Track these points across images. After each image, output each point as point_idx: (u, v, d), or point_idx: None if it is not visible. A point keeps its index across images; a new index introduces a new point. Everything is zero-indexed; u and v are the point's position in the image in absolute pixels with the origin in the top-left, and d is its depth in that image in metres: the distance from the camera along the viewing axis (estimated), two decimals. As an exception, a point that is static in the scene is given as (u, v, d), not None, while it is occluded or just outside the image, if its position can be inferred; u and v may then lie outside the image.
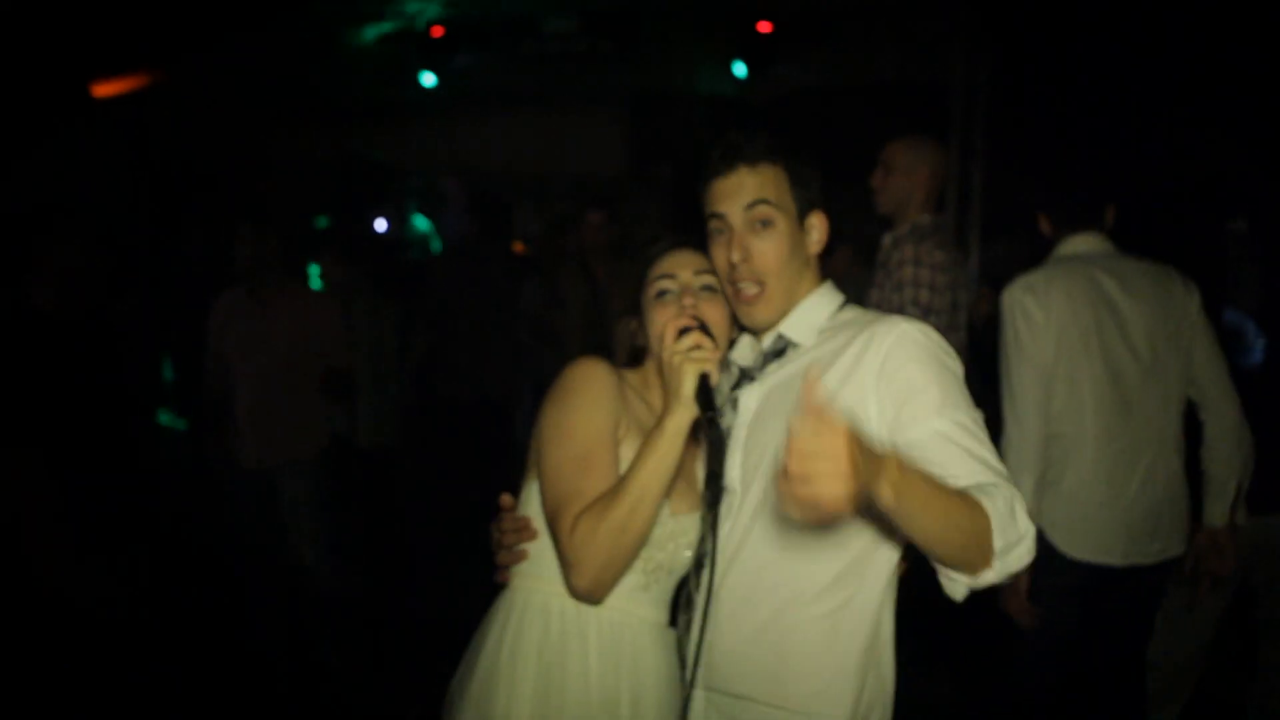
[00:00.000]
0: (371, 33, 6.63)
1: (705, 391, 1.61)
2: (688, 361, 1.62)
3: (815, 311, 1.81)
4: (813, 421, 1.22)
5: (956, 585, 1.49)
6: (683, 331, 1.66)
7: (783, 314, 1.80)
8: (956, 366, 1.66)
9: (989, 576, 1.45)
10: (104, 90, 5.72)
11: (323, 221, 7.72)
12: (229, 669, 3.89)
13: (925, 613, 1.89)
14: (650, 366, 1.94)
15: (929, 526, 1.38)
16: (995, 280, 3.83)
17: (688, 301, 1.81)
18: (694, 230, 1.89)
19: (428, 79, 6.82)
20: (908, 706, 1.80)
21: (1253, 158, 5.61)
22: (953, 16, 5.79)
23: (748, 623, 1.69)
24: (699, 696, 1.76)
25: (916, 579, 1.73)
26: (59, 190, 4.69)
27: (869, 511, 1.38)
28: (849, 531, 1.65)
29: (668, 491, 1.70)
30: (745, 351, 1.88)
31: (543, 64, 6.64)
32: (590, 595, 1.74)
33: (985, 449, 1.55)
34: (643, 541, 1.69)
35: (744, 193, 1.74)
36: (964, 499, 1.41)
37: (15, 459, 2.81)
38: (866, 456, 1.26)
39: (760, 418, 1.76)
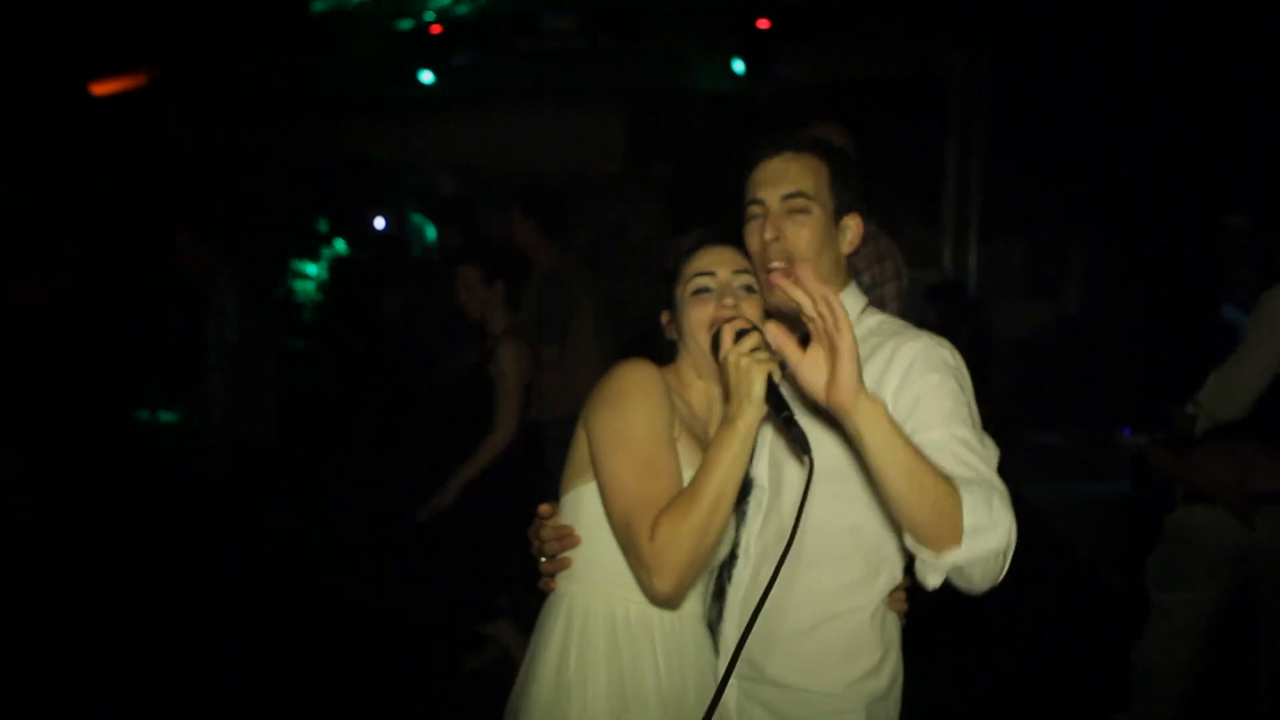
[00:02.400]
0: (371, 30, 6.64)
1: (774, 392, 1.59)
2: (755, 364, 1.58)
3: None
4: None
5: (926, 566, 1.47)
6: (740, 333, 1.64)
7: None
8: (969, 385, 1.70)
9: (958, 555, 1.43)
10: (102, 89, 5.72)
11: (323, 224, 7.72)
12: (221, 668, 3.89)
13: (925, 613, 1.90)
14: (685, 364, 1.91)
15: (898, 474, 1.42)
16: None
17: (728, 302, 1.79)
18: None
19: (426, 76, 6.82)
20: (907, 707, 1.82)
21: (1253, 152, 5.61)
22: (952, 12, 5.79)
23: (785, 616, 1.76)
24: (732, 685, 1.80)
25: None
26: (54, 189, 4.69)
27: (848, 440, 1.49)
28: (870, 519, 1.73)
29: None
30: None
31: (542, 61, 6.64)
32: (673, 598, 1.72)
33: (978, 459, 1.57)
34: (721, 537, 1.69)
35: (784, 181, 1.78)
36: (941, 473, 1.44)
37: (9, 458, 2.80)
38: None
39: None
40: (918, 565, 1.49)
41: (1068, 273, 8.78)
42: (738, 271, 1.83)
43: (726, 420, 1.62)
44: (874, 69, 6.60)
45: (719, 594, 1.86)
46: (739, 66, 6.70)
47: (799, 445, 1.54)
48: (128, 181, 5.54)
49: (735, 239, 1.85)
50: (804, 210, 1.76)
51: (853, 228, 1.83)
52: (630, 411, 1.74)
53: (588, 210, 8.53)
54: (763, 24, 6.42)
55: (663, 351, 1.97)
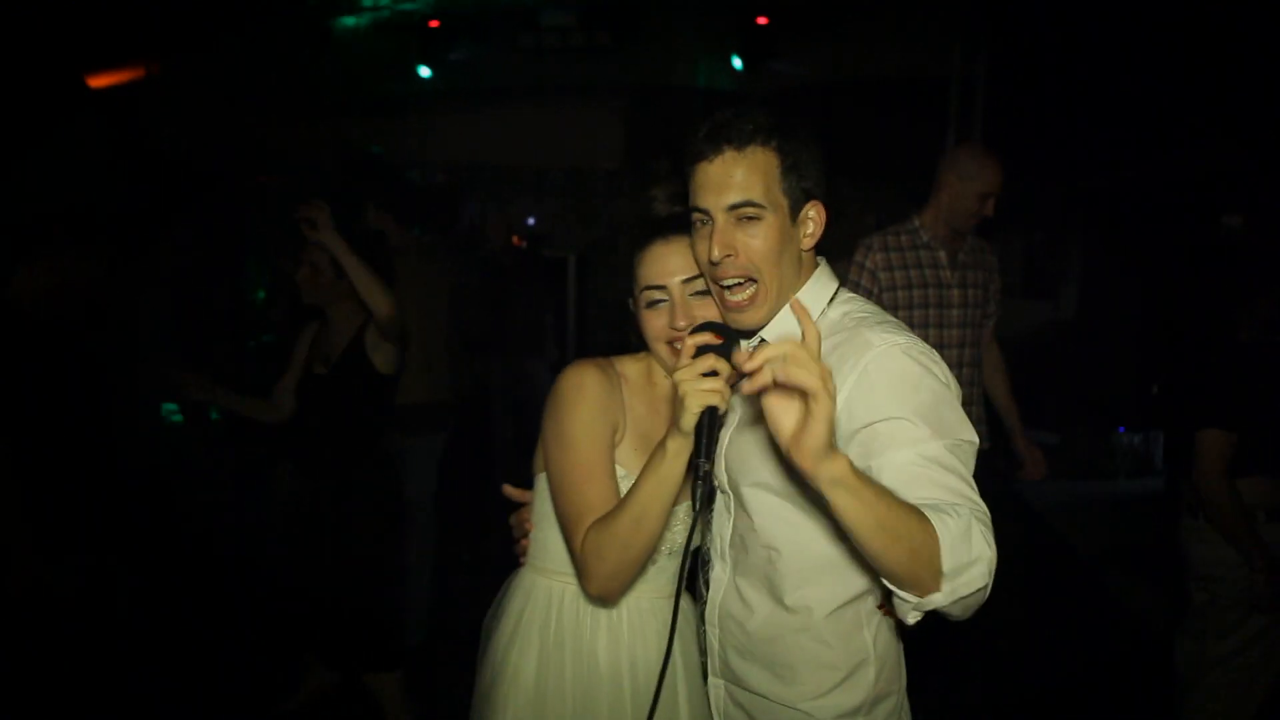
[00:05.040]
0: (368, 23, 6.62)
1: (709, 427, 1.53)
2: (693, 394, 1.50)
3: (791, 317, 1.62)
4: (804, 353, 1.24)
5: (905, 606, 1.38)
6: (702, 350, 1.54)
7: (773, 315, 1.67)
8: (940, 387, 1.53)
9: (937, 599, 1.33)
10: (99, 82, 5.70)
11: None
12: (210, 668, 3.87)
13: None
14: (651, 358, 1.90)
15: (868, 530, 1.30)
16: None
17: (681, 324, 1.75)
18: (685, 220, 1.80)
19: (425, 72, 6.81)
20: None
21: (1251, 154, 5.62)
22: (951, 12, 5.79)
23: (754, 624, 1.72)
24: (718, 685, 1.82)
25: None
26: (56, 185, 4.67)
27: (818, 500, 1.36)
28: (820, 531, 1.64)
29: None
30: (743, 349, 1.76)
31: (541, 57, 6.62)
32: (602, 600, 1.87)
33: (952, 476, 1.43)
34: (650, 551, 1.71)
35: (728, 189, 1.59)
36: (915, 513, 1.33)
37: None
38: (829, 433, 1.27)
39: (741, 423, 1.71)
40: (896, 603, 1.40)
41: (1065, 272, 8.80)
42: (689, 280, 1.76)
43: (661, 439, 1.61)
44: (873, 68, 6.60)
45: (701, 594, 1.84)
46: (738, 64, 6.70)
47: (695, 497, 1.53)
48: (126, 179, 5.52)
49: (685, 228, 1.75)
50: (755, 219, 1.59)
51: (814, 219, 1.66)
52: (568, 418, 1.79)
53: (587, 206, 8.54)
54: (762, 21, 6.42)
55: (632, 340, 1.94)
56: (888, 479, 1.41)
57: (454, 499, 5.10)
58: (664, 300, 1.78)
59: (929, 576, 1.32)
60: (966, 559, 1.33)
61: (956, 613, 1.37)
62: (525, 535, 2.02)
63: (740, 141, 1.59)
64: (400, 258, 4.33)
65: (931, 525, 1.32)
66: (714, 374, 1.51)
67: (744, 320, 1.66)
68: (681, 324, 1.75)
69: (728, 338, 1.58)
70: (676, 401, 1.53)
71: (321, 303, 3.39)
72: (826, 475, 1.27)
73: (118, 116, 5.70)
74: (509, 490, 2.07)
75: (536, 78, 7.09)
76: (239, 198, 6.49)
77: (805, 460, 1.26)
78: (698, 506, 1.54)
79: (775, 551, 1.67)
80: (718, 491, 1.78)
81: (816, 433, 1.24)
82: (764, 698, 1.72)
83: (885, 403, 1.49)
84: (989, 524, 1.38)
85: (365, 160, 7.90)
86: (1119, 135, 6.13)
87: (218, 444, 4.53)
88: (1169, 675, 3.27)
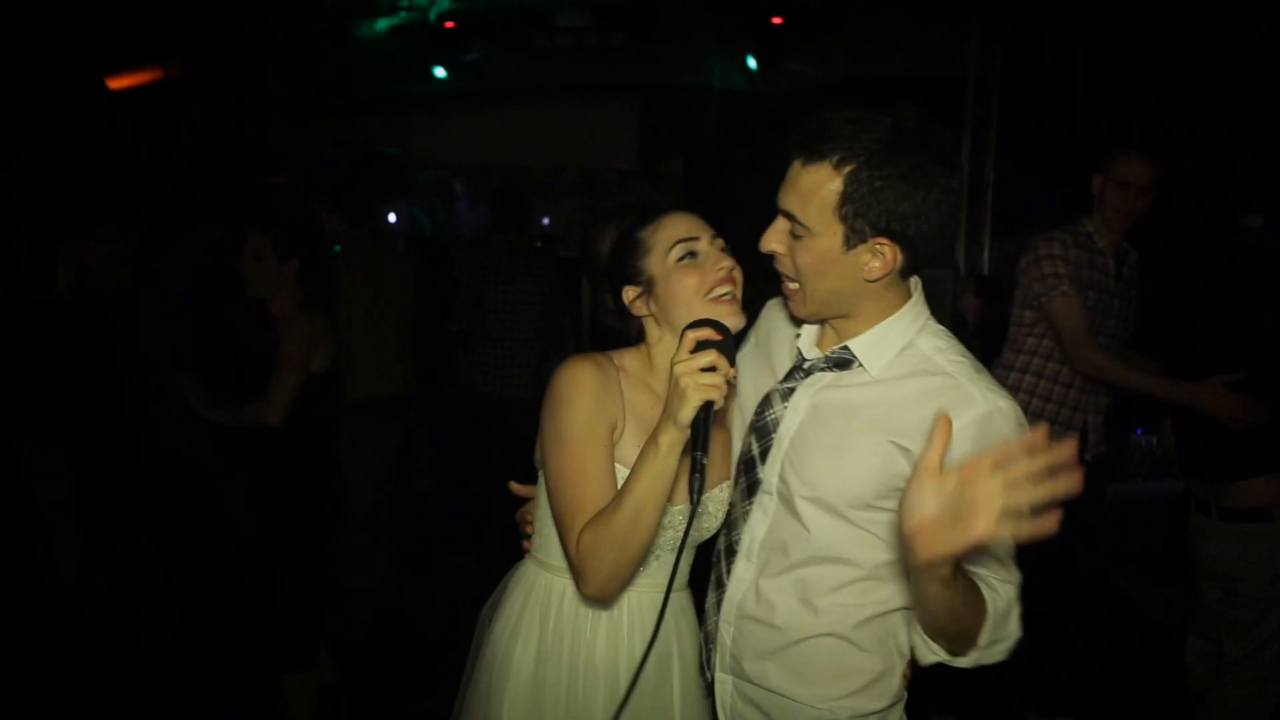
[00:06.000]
0: (383, 25, 6.65)
1: (703, 422, 1.52)
2: (694, 388, 1.50)
3: (887, 340, 1.63)
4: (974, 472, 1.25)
5: (926, 652, 1.61)
6: (702, 345, 1.54)
7: (819, 318, 1.69)
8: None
9: (961, 661, 1.58)
10: (118, 83, 5.75)
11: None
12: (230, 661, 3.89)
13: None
14: (656, 345, 1.90)
15: (942, 613, 1.47)
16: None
17: (726, 263, 1.81)
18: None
19: (440, 72, 6.83)
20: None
21: (1272, 152, 5.57)
22: (966, 11, 5.76)
23: (777, 624, 1.72)
24: (725, 680, 1.81)
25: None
26: (77, 183, 4.71)
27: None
28: (874, 546, 1.66)
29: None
30: (809, 341, 1.75)
31: (555, 57, 6.63)
32: (598, 601, 1.86)
33: (1006, 552, 1.58)
34: (647, 549, 1.69)
35: (787, 195, 1.58)
36: (976, 596, 1.50)
37: (32, 443, 2.83)
38: None
39: (805, 428, 1.69)
40: (916, 643, 1.62)
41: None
42: (715, 236, 1.84)
43: (653, 433, 1.59)
44: (888, 67, 6.57)
45: (719, 584, 1.82)
46: (753, 63, 6.68)
47: (691, 490, 1.52)
48: (149, 175, 5.56)
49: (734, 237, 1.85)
50: (798, 236, 1.58)
51: (883, 254, 1.55)
52: (565, 416, 1.77)
53: (601, 206, 8.53)
54: (776, 20, 6.41)
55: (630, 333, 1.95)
56: None
57: (474, 497, 5.15)
58: (697, 253, 1.82)
59: (966, 644, 1.54)
60: (1000, 636, 1.54)
61: (965, 665, 1.58)
62: (527, 536, 2.04)
63: (812, 156, 1.54)
64: (349, 256, 4.45)
65: (985, 607, 1.51)
66: (713, 369, 1.52)
67: (793, 308, 1.70)
68: (726, 263, 1.81)
69: (726, 334, 1.59)
70: (675, 395, 1.52)
71: (264, 294, 3.35)
72: (937, 572, 1.36)
73: (137, 115, 5.75)
74: (514, 486, 2.12)
75: (551, 78, 7.10)
76: (249, 197, 6.52)
77: (926, 558, 1.31)
78: (695, 500, 1.51)
79: (821, 559, 1.68)
80: (760, 491, 1.74)
81: (953, 546, 1.27)
82: (783, 696, 1.72)
83: None
84: (1018, 604, 1.57)
85: (380, 160, 7.93)
86: (1136, 134, 6.08)
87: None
88: (1183, 677, 3.24)
